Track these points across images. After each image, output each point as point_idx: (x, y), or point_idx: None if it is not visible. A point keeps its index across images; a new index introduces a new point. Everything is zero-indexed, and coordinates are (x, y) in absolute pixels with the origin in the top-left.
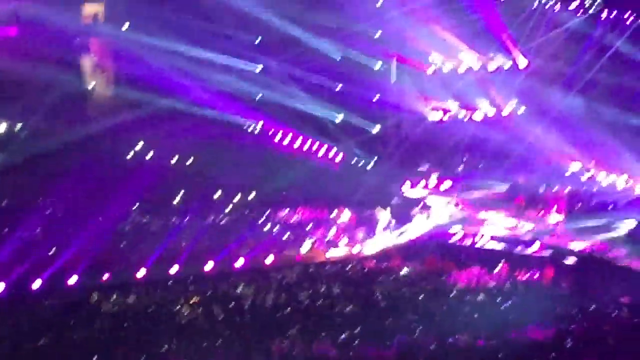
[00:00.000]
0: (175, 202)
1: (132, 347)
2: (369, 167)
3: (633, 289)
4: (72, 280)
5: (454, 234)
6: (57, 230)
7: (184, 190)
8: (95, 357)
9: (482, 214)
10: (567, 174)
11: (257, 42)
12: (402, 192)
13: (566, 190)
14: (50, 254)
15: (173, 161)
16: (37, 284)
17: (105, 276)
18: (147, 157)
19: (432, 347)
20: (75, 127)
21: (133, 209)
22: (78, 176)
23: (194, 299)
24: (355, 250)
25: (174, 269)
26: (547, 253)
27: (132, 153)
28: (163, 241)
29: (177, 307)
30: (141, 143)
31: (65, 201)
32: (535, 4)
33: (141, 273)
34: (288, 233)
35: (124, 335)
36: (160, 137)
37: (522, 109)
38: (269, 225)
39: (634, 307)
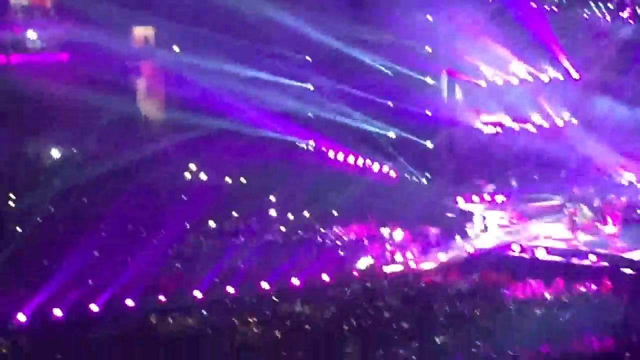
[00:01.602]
0: (230, 222)
1: None
2: (423, 182)
3: None
4: (130, 303)
5: (511, 247)
6: (114, 253)
7: (239, 210)
8: None
9: (538, 227)
10: (622, 184)
11: (308, 60)
12: (457, 207)
13: (621, 201)
14: (107, 277)
15: (227, 181)
16: (95, 308)
17: (162, 298)
18: (202, 179)
19: None
20: (129, 150)
21: (188, 230)
22: (132, 199)
23: (252, 319)
24: (412, 265)
25: (230, 289)
26: (604, 264)
27: (186, 175)
28: (219, 262)
29: (235, 328)
30: (195, 165)
31: (121, 224)
32: (586, 14)
33: (198, 294)
34: (344, 250)
35: (183, 358)
36: (213, 158)
37: (575, 120)
38: (324, 243)
39: None
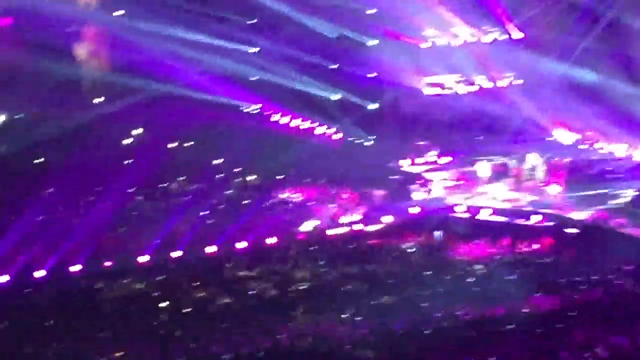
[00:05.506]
0: (175, 186)
1: (138, 332)
2: (367, 145)
3: (635, 256)
4: (76, 268)
5: (456, 208)
6: (59, 219)
7: (184, 173)
8: (102, 343)
9: (483, 187)
10: (565, 144)
11: (252, 23)
12: (402, 169)
13: (565, 161)
14: (52, 243)
15: (172, 145)
16: (40, 274)
17: (108, 263)
18: (146, 142)
19: (438, 321)
20: (73, 115)
21: (133, 194)
22: (78, 164)
23: (198, 283)
24: (357, 227)
25: (176, 253)
26: (548, 224)
27: (130, 139)
28: (165, 225)
29: (181, 291)
30: (140, 129)
31: (66, 189)
32: None
33: (144, 258)
34: (290, 213)
35: (130, 321)
36: (158, 122)
37: (519, 81)
38: (270, 206)
39: (636, 275)
